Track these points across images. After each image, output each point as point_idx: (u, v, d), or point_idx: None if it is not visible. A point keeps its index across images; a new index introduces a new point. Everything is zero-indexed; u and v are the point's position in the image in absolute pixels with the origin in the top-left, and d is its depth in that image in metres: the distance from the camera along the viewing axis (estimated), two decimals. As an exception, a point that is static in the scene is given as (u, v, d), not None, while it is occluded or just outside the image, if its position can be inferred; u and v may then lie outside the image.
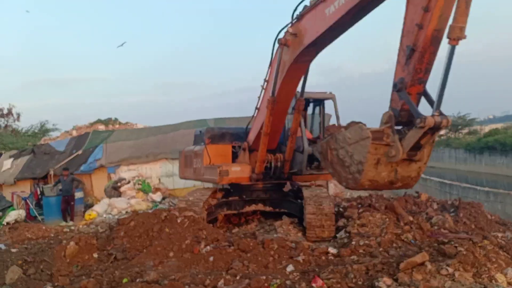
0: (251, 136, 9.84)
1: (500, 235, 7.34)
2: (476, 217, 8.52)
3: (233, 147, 10.42)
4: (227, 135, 10.64)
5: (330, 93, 10.59)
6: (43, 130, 35.49)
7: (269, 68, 8.84)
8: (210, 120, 19.46)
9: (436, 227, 7.86)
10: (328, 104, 10.93)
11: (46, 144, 21.33)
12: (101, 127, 25.31)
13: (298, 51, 7.53)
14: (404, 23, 4.93)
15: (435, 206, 9.61)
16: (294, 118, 9.29)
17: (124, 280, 5.81)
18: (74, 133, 24.60)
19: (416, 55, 4.76)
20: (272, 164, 9.60)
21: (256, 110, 9.47)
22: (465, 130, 49.69)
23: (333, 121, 12.33)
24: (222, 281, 5.63)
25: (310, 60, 7.97)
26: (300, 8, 7.26)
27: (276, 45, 8.15)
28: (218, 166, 9.40)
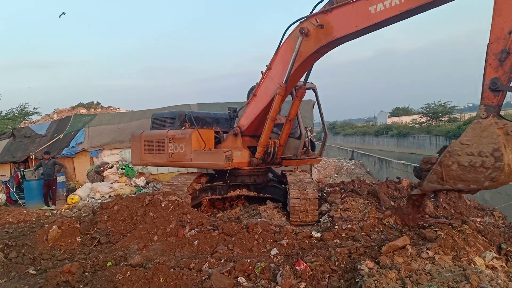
0: (245, 121, 9.80)
1: (478, 220, 7.53)
2: (455, 203, 8.72)
3: (216, 132, 10.34)
4: (201, 120, 10.56)
5: (311, 83, 10.66)
6: (24, 114, 34.59)
7: (275, 55, 8.98)
8: (194, 104, 19.27)
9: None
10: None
11: (26, 127, 20.90)
12: (83, 111, 24.90)
13: (324, 42, 7.80)
14: (492, 32, 5.47)
15: (416, 192, 9.78)
16: (295, 105, 9.64)
17: (108, 264, 5.80)
18: (55, 116, 24.16)
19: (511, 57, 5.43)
20: (271, 149, 9.67)
21: (252, 96, 9.48)
22: (446, 118, 50.46)
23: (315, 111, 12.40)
24: (207, 264, 5.66)
25: (329, 51, 8.26)
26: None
27: (287, 34, 8.46)
28: (224, 151, 9.25)
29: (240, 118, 10.06)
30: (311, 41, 7.98)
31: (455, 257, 5.28)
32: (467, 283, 4.19)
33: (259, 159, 9.57)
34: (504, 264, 5.33)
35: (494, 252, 5.60)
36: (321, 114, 11.04)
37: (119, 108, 26.75)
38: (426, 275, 4.67)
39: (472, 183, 5.50)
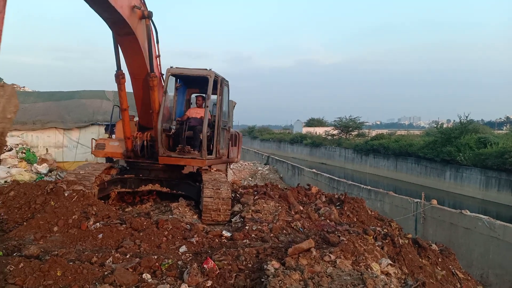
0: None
1: (378, 229, 8.09)
2: (358, 211, 9.32)
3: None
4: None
5: (210, 70, 9.39)
6: None
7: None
8: (109, 92, 18.37)
9: (323, 218, 8.43)
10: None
11: None
12: (-18, 86, 22.53)
13: None
14: None
15: (324, 199, 10.29)
16: (152, 96, 8.82)
17: (-2, 254, 5.27)
18: None
19: None
20: (145, 142, 9.51)
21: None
22: (355, 132, 53.80)
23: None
24: (110, 258, 5.40)
25: (128, 33, 7.80)
26: None
27: None
28: (97, 140, 9.56)
29: None
30: None
31: (354, 261, 5.62)
32: (363, 287, 4.48)
33: (129, 151, 9.57)
34: (397, 271, 5.79)
35: (388, 259, 6.07)
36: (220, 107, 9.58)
37: (24, 87, 24.65)
38: (327, 277, 4.91)
39: None
